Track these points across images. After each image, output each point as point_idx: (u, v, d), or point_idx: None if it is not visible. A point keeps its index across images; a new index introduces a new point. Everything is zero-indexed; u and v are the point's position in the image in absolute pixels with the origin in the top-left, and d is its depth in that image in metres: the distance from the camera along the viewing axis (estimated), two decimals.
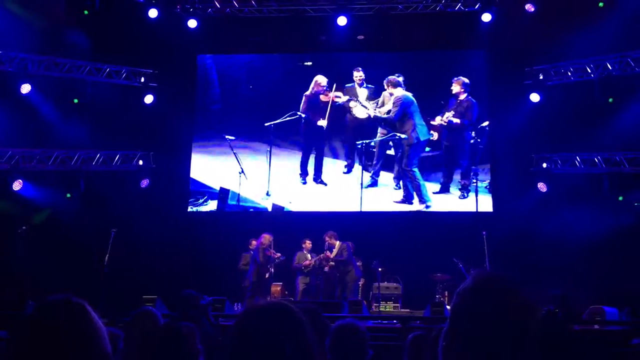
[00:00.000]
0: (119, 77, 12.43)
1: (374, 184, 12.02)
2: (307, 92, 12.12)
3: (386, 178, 12.06)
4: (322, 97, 12.07)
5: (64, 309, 1.53)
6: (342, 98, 12.09)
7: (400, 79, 11.67)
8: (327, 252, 10.88)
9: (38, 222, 11.54)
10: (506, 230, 10.64)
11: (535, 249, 10.52)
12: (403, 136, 11.70)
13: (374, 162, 12.03)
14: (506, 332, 1.37)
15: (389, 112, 11.55)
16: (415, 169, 11.47)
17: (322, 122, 12.05)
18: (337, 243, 10.87)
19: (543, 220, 10.81)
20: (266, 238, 10.83)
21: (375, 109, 11.86)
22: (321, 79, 12.10)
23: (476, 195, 11.73)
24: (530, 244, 10.66)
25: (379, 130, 11.95)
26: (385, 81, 11.56)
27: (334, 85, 12.05)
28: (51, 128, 11.80)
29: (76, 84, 12.10)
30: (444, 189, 11.86)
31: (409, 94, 11.44)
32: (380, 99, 11.91)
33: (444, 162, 11.90)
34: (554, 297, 8.57)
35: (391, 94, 11.49)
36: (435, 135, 11.76)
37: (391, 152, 12.03)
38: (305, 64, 12.80)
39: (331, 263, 10.88)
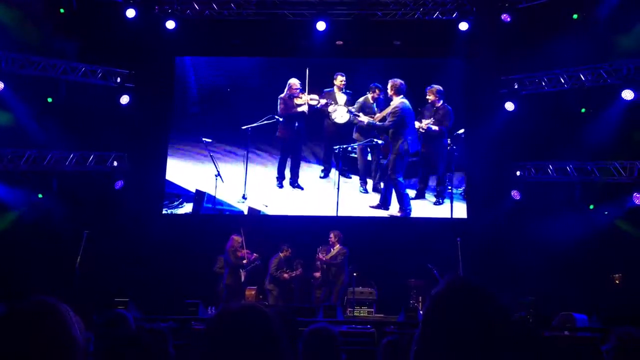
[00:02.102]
0: (95, 76, 12.27)
1: (365, 190, 12.05)
2: (282, 95, 12.13)
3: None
4: (297, 100, 12.08)
5: (36, 312, 1.50)
6: (320, 101, 12.09)
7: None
8: (320, 254, 10.76)
9: (3, 226, 11.35)
10: (480, 237, 10.76)
11: (508, 256, 10.64)
12: (380, 141, 11.76)
13: (360, 171, 12.02)
14: (477, 337, 1.38)
15: (383, 119, 11.48)
16: (401, 179, 11.50)
17: (303, 107, 11.99)
18: (337, 247, 10.75)
19: (516, 227, 10.96)
20: (235, 240, 10.76)
21: (370, 117, 11.74)
22: (294, 82, 12.10)
23: (451, 202, 11.84)
24: (503, 250, 10.78)
25: (355, 134, 11.97)
26: (390, 82, 11.34)
27: (307, 85, 12.04)
28: (24, 127, 11.59)
29: (50, 83, 11.92)
30: (420, 195, 11.93)
31: (407, 102, 11.35)
32: (360, 101, 11.90)
33: (420, 169, 11.98)
34: (525, 304, 8.69)
35: (390, 98, 11.39)
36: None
37: (369, 157, 12.09)
38: (284, 68, 12.78)
39: (323, 266, 10.78)
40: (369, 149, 12.04)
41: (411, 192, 11.91)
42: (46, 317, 1.49)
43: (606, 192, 11.28)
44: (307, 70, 12.03)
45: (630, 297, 9.77)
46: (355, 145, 12.09)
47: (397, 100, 11.30)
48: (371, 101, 11.84)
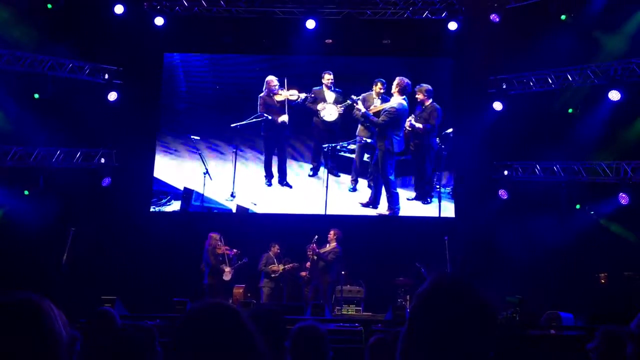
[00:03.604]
0: (82, 73, 12.17)
1: (354, 189, 12.02)
2: (262, 94, 12.10)
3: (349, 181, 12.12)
4: (276, 97, 12.06)
5: (18, 308, 1.48)
6: (300, 96, 12.05)
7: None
8: (314, 244, 10.67)
9: None
10: (467, 236, 10.81)
11: (495, 255, 10.70)
12: (369, 140, 11.76)
13: (354, 168, 11.98)
14: (463, 334, 1.39)
15: (377, 114, 11.37)
16: (392, 177, 11.49)
17: (283, 118, 11.99)
18: (333, 244, 10.70)
19: (503, 226, 11.01)
20: (213, 238, 10.69)
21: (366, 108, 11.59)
22: (271, 79, 12.09)
23: (439, 201, 11.88)
24: (491, 249, 10.84)
25: (359, 129, 11.87)
26: (397, 79, 11.21)
27: (285, 82, 12.04)
28: (9, 123, 11.48)
29: (37, 79, 11.81)
30: (419, 197, 11.90)
31: (406, 104, 11.28)
32: (364, 95, 11.80)
33: (414, 169, 11.95)
34: (512, 302, 8.75)
35: (391, 94, 11.33)
36: None
37: (365, 157, 12.05)
38: (273, 66, 12.73)
39: (313, 257, 10.72)
40: (365, 153, 11.96)
41: (409, 194, 11.90)
42: (27, 313, 1.47)
43: (592, 192, 11.38)
44: (286, 81, 12.00)
45: (616, 296, 9.87)
46: (344, 143, 12.09)
47: (396, 100, 11.25)
48: (374, 96, 11.77)
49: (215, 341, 1.48)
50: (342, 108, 12.03)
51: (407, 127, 11.52)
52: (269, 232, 11.38)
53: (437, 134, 11.85)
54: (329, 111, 12.13)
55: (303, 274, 10.98)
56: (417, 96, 11.62)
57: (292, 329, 3.07)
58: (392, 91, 11.37)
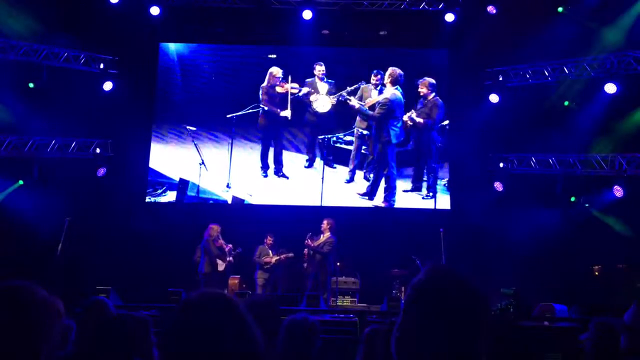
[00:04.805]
0: (77, 62, 12.11)
1: (351, 179, 12.01)
2: (264, 84, 12.06)
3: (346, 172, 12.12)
4: (278, 89, 12.02)
5: (9, 296, 1.48)
6: (302, 90, 12.05)
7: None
8: (309, 240, 10.68)
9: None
10: (463, 228, 10.83)
11: (490, 247, 10.73)
12: (365, 132, 11.75)
13: (351, 159, 11.97)
14: (457, 324, 1.39)
15: (373, 107, 11.35)
16: (394, 170, 11.47)
17: (286, 113, 11.97)
18: (327, 235, 10.67)
19: (498, 218, 11.04)
20: (214, 229, 10.69)
21: (360, 101, 11.59)
22: (276, 71, 12.04)
23: (434, 193, 11.89)
24: (486, 241, 10.87)
25: (357, 120, 11.82)
26: (390, 70, 11.16)
27: (289, 77, 12.02)
28: (4, 113, 11.42)
29: (32, 68, 11.74)
30: (415, 189, 11.91)
31: (399, 94, 11.25)
32: (362, 87, 11.81)
33: (413, 162, 11.94)
34: (506, 294, 8.79)
35: (384, 85, 11.31)
36: None
37: (363, 149, 12.03)
38: (270, 56, 12.69)
39: (310, 252, 10.73)
40: (363, 144, 11.93)
41: (406, 185, 11.89)
42: (14, 301, 1.47)
43: (588, 184, 11.42)
44: (290, 76, 11.95)
45: (609, 288, 9.93)
46: (340, 135, 12.08)
47: (389, 91, 11.20)
48: (372, 88, 11.71)
49: (212, 330, 1.48)
50: (335, 99, 12.00)
51: (408, 122, 11.47)
52: (264, 223, 11.36)
53: (437, 128, 11.82)
54: (322, 102, 12.09)
55: (306, 265, 10.98)
56: (419, 90, 11.55)
57: (284, 321, 3.08)
58: (384, 82, 11.34)
